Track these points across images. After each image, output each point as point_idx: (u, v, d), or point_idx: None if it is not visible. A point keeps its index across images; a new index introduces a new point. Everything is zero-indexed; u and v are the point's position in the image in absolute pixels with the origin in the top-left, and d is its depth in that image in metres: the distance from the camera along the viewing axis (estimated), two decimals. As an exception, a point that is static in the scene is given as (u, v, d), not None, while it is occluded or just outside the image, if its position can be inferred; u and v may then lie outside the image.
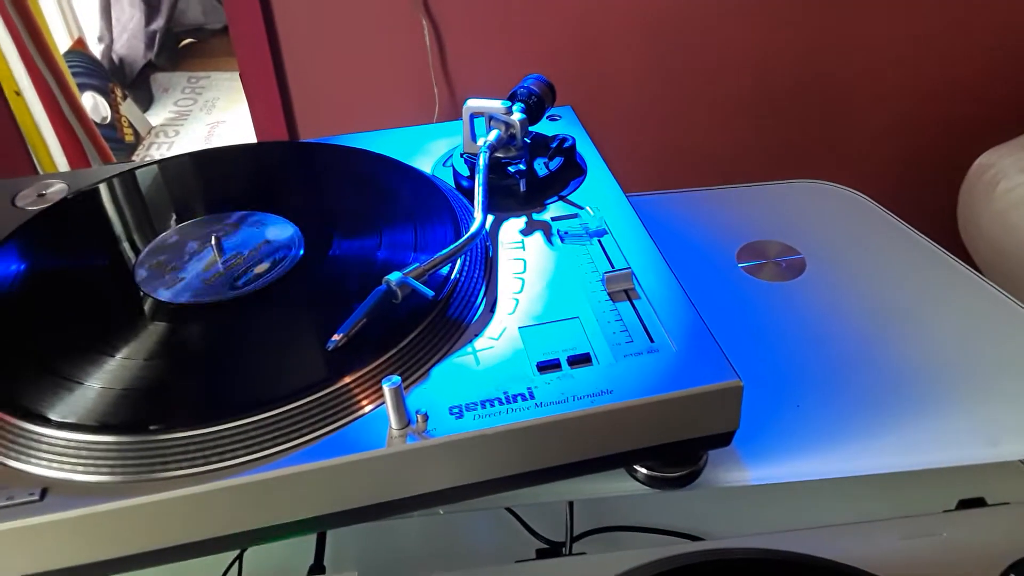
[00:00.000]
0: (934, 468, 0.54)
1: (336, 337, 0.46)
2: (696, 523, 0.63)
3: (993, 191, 1.15)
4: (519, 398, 0.46)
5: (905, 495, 0.62)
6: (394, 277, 0.48)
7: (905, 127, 1.48)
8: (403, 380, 0.46)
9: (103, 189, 0.66)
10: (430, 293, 0.48)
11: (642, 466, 0.53)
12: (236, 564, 0.58)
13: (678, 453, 0.52)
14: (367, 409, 0.46)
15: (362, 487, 0.45)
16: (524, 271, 0.55)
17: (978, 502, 0.56)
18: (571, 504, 0.63)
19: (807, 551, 0.51)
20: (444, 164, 0.67)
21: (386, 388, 0.43)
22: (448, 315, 0.50)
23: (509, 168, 0.62)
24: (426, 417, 0.44)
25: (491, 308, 0.52)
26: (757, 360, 0.61)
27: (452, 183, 0.64)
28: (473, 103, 0.63)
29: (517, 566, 0.53)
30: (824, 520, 0.56)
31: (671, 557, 0.50)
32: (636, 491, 0.54)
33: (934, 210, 1.16)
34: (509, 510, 0.64)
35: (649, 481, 0.53)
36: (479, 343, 0.49)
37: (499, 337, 0.50)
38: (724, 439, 0.50)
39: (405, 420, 0.44)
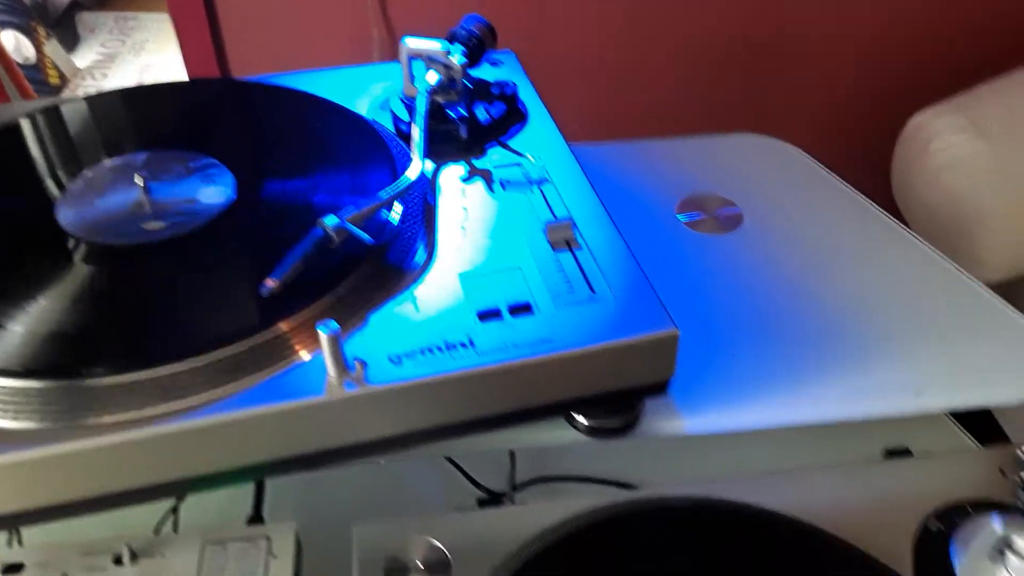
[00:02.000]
0: (863, 419, 0.55)
1: (270, 282, 0.45)
2: (636, 472, 0.63)
3: (926, 152, 1.18)
4: (460, 346, 0.45)
5: (833, 445, 0.64)
6: (331, 221, 0.47)
7: (843, 87, 1.50)
8: (340, 326, 0.45)
9: (26, 123, 0.62)
10: (368, 239, 0.47)
11: (582, 416, 0.53)
12: (172, 514, 0.57)
13: (617, 401, 0.52)
14: (303, 356, 0.45)
15: (299, 435, 0.44)
16: (465, 218, 0.54)
17: (904, 452, 0.58)
18: (513, 454, 0.63)
19: (739, 499, 0.52)
20: (382, 107, 0.65)
21: (322, 334, 0.42)
22: (386, 261, 0.49)
23: (449, 113, 0.60)
24: (364, 364, 0.44)
25: (430, 255, 0.51)
26: (694, 312, 0.62)
27: (391, 127, 0.63)
28: (411, 43, 0.61)
29: (457, 515, 0.53)
30: (755, 468, 0.58)
31: (607, 507, 0.51)
32: (576, 441, 0.54)
33: (870, 170, 1.18)
34: (451, 461, 0.64)
35: (589, 431, 0.53)
36: (418, 291, 0.49)
37: (439, 285, 0.49)
38: (661, 387, 0.50)
39: (343, 367, 0.43)
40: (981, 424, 0.71)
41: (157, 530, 0.57)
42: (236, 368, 0.44)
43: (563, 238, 0.53)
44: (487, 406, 0.47)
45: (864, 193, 0.74)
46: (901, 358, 0.58)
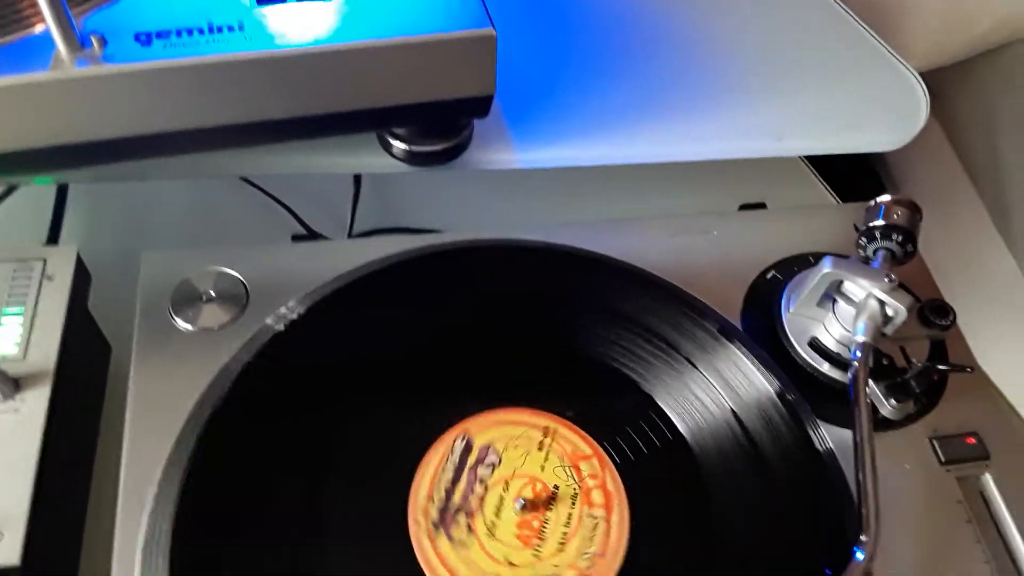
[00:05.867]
0: (718, 159, 0.50)
1: (-5, -61, 0.37)
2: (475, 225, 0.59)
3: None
4: (225, 29, 0.38)
5: (692, 200, 0.59)
6: None
7: None
8: (87, 2, 0.38)
9: None
10: None
11: (398, 140, 0.47)
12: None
13: (434, 121, 0.46)
14: (38, 29, 0.37)
15: (33, 121, 0.37)
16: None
17: (759, 207, 0.54)
18: (355, 203, 0.58)
19: (579, 244, 0.47)
20: None
21: (40, -7, 0.34)
22: (154, -67, 0.41)
23: None
24: (103, 41, 0.36)
25: (218, -66, 0.43)
26: (552, 45, 0.55)
27: None
28: None
29: (259, 248, 0.48)
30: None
31: (417, 248, 0.46)
32: (394, 169, 0.48)
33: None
34: (282, 203, 0.59)
35: (407, 157, 0.48)
36: (191, -31, 0.41)
37: (219, -35, 0.41)
38: (481, 105, 0.44)
39: (75, 41, 0.36)
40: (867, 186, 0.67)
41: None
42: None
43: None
44: (267, 107, 0.40)
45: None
46: (770, 99, 0.53)
